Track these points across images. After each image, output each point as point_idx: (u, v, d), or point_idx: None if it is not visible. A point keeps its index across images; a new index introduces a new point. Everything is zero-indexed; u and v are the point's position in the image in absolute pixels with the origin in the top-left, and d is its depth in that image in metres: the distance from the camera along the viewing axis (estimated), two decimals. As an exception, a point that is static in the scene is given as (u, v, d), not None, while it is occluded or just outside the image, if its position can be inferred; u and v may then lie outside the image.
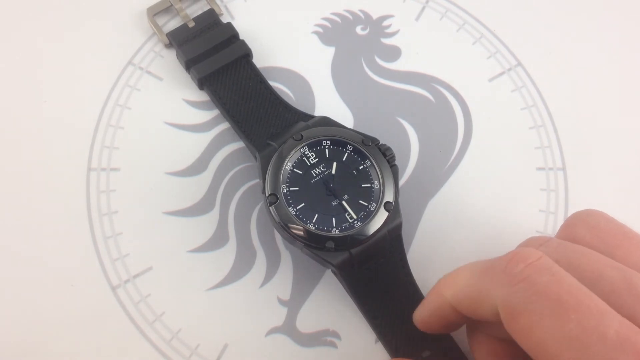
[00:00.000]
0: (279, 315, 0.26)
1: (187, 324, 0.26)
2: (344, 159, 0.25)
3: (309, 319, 0.26)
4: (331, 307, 0.26)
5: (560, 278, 0.18)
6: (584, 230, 0.22)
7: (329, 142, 0.25)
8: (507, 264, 0.19)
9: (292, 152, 0.25)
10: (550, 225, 0.28)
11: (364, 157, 0.25)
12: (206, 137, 0.29)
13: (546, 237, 0.22)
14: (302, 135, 0.25)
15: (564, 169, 0.29)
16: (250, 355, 0.25)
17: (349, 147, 0.25)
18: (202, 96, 0.29)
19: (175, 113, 0.29)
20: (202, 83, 0.28)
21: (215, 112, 0.29)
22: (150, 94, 0.29)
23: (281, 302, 0.26)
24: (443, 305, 0.22)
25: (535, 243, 0.21)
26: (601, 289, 0.19)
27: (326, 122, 0.26)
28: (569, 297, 0.17)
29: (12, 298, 0.25)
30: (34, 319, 0.25)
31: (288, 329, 0.26)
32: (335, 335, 0.26)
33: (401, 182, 0.28)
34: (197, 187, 0.28)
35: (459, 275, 0.21)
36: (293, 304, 0.26)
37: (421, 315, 0.23)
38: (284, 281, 0.26)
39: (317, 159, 0.25)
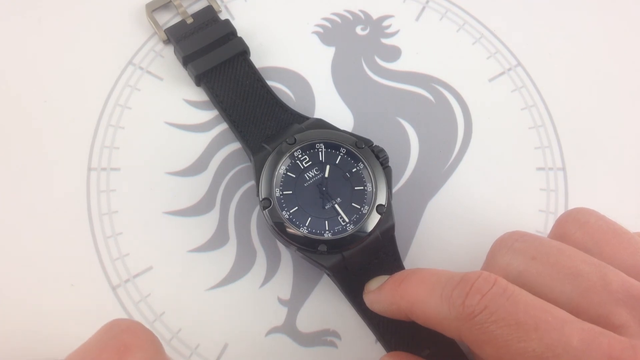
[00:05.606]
0: (279, 315, 0.26)
1: (187, 324, 0.26)
2: (337, 162, 0.25)
3: (309, 319, 0.26)
4: (331, 307, 0.26)
5: (515, 300, 0.18)
6: (575, 228, 0.22)
7: (322, 145, 0.25)
8: (465, 299, 0.19)
9: (286, 156, 0.25)
10: (550, 226, 0.28)
11: (357, 160, 0.25)
12: (206, 137, 0.29)
13: (522, 232, 0.22)
14: (295, 139, 0.25)
15: (563, 169, 0.29)
16: (250, 355, 0.25)
17: (342, 150, 0.25)
18: (202, 96, 0.29)
19: (176, 113, 0.29)
20: (200, 80, 0.28)
21: (216, 112, 0.29)
22: (150, 94, 0.29)
23: (281, 302, 0.26)
24: (399, 311, 0.22)
25: (511, 239, 0.21)
26: (577, 285, 0.19)
27: (320, 124, 0.26)
28: (526, 317, 0.18)
29: (13, 298, 0.25)
30: (34, 319, 0.25)
31: (288, 328, 0.26)
32: (335, 335, 0.26)
33: (401, 182, 0.28)
34: (197, 187, 0.28)
35: (417, 291, 0.21)
36: (293, 304, 0.26)
37: (374, 307, 0.23)
38: (284, 281, 0.26)
39: (310, 162, 0.25)
